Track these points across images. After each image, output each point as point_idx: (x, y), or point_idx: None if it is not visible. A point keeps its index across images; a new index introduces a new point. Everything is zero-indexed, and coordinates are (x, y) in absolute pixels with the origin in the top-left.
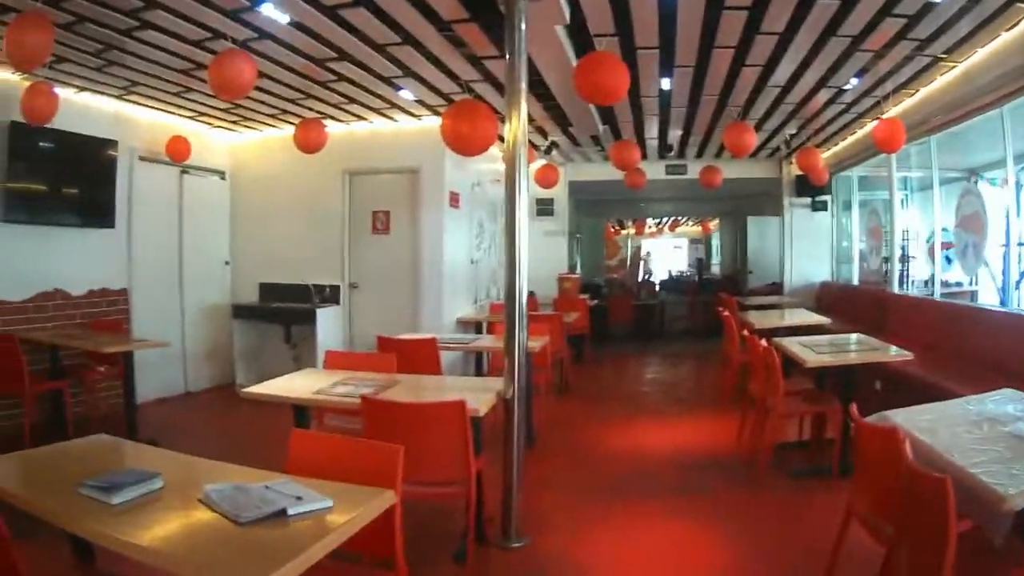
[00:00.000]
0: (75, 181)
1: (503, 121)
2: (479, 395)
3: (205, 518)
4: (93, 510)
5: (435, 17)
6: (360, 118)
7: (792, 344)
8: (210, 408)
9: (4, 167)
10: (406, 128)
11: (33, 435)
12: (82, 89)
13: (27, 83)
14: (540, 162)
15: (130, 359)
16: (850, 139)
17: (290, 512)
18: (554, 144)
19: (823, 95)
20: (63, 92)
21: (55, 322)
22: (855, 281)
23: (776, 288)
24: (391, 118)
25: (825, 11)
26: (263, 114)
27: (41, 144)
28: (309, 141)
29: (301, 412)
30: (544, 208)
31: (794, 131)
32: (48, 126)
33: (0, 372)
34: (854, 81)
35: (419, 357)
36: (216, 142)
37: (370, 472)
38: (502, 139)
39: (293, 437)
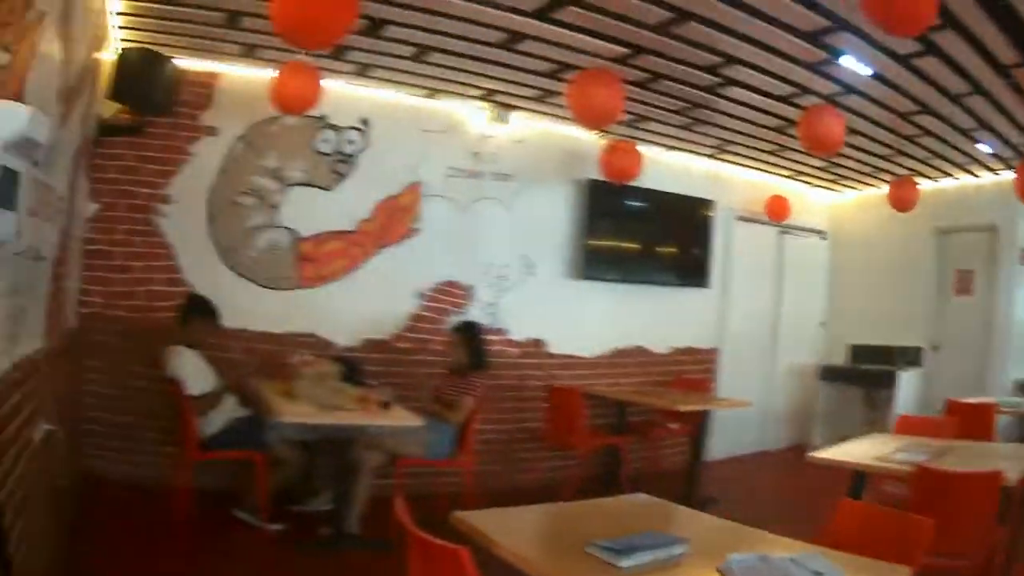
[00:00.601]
0: (671, 241)
1: None
2: (1016, 463)
3: None
4: (595, 571)
5: (994, 62)
6: (945, 173)
7: None
8: (779, 469)
9: (585, 225)
10: (984, 183)
11: (583, 489)
12: (671, 148)
13: (605, 141)
14: None
15: (706, 418)
16: None
17: None
18: None
19: None
20: (651, 151)
21: (632, 378)
22: None
23: None
24: (972, 172)
25: None
26: (857, 172)
27: (628, 203)
28: (902, 200)
29: (859, 478)
30: None
31: None
32: (639, 185)
33: (561, 425)
34: None
35: (976, 422)
36: (815, 202)
37: (895, 545)
38: None
39: (841, 506)
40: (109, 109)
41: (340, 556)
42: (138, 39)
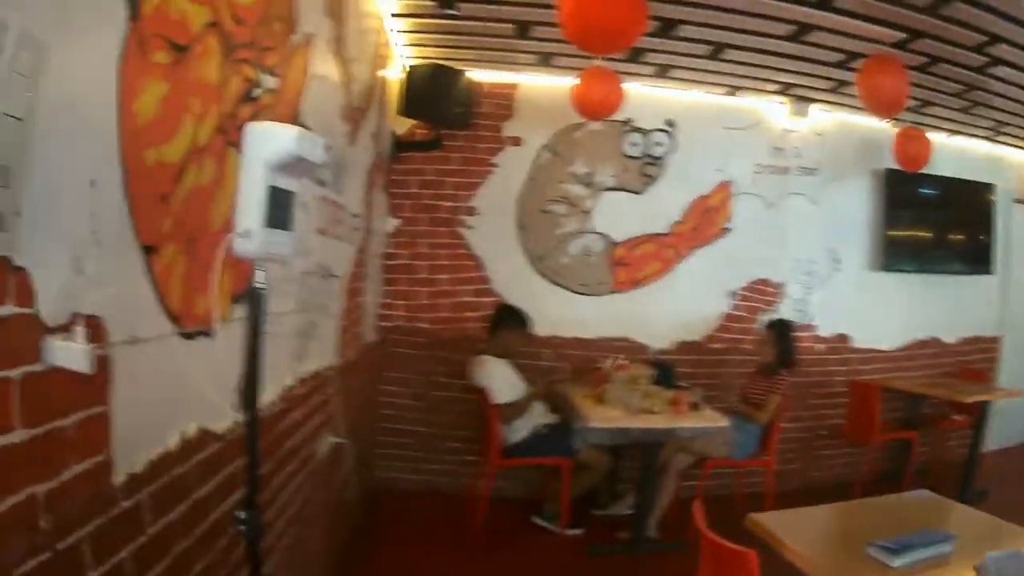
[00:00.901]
0: (958, 228)
1: None
2: None
3: None
4: (870, 571)
5: None
6: None
7: None
8: None
9: (883, 215)
10: None
11: (870, 484)
12: (953, 132)
13: (897, 129)
14: None
15: (985, 409)
16: None
17: None
18: None
19: None
20: (935, 136)
21: (925, 370)
22: None
23: None
24: None
25: None
26: None
27: (920, 191)
28: None
29: None
30: None
31: None
32: (926, 172)
33: (855, 420)
34: None
35: None
36: None
37: None
38: None
39: None
40: (403, 126)
41: (634, 560)
42: (427, 55)
